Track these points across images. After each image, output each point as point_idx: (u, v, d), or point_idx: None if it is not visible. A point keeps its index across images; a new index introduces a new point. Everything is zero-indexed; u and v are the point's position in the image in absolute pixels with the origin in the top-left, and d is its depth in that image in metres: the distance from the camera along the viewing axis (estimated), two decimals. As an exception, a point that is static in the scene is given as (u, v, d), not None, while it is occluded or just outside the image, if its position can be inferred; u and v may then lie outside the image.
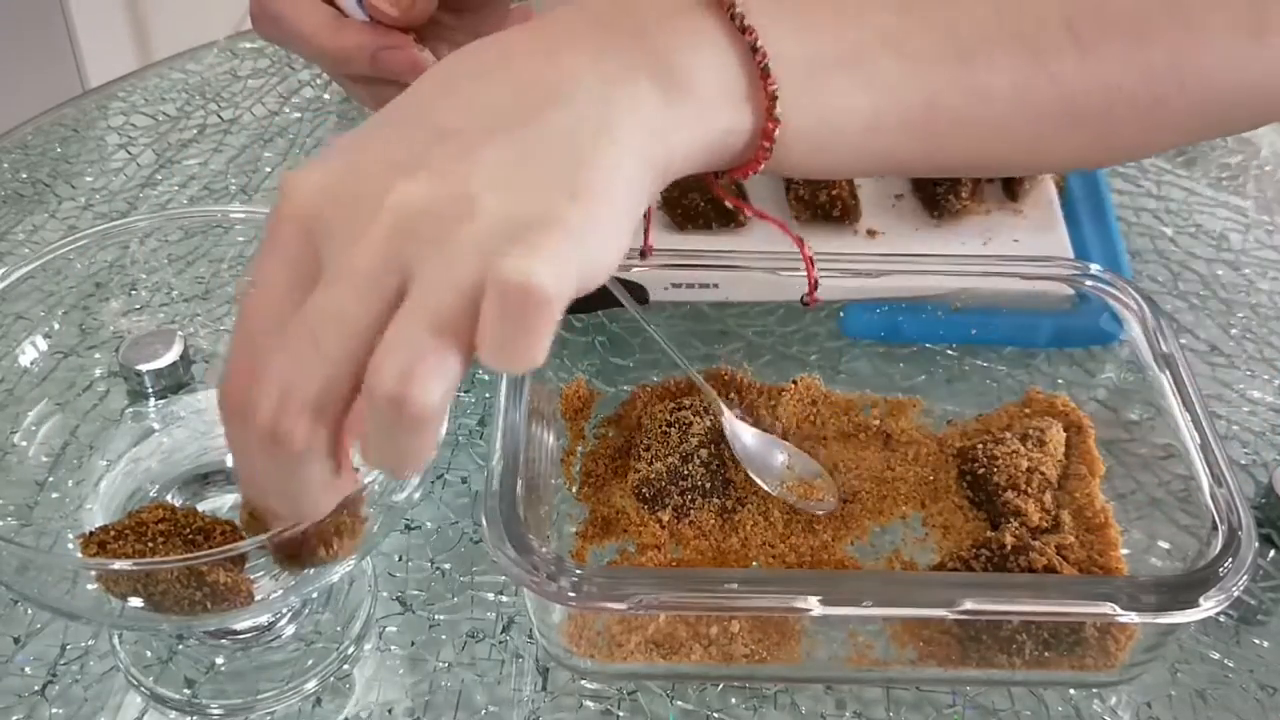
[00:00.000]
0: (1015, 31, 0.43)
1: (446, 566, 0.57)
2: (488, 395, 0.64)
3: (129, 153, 0.82)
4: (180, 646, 0.53)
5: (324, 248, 0.36)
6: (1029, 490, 0.55)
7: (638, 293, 0.61)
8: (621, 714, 0.52)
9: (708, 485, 0.55)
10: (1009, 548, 0.50)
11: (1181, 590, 0.46)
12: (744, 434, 0.57)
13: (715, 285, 0.63)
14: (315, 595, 0.54)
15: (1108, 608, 0.46)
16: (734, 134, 0.42)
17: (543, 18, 0.41)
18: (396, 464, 0.36)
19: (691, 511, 0.55)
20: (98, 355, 0.60)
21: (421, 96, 0.39)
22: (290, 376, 0.35)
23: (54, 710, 0.51)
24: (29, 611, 0.54)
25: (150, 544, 0.46)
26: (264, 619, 0.53)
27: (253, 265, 0.37)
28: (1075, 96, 0.44)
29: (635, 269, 0.60)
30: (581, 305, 0.62)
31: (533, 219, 0.35)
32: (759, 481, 0.56)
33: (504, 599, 0.55)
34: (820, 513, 0.56)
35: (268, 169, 0.80)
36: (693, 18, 0.41)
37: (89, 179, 0.79)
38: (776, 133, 0.42)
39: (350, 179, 0.36)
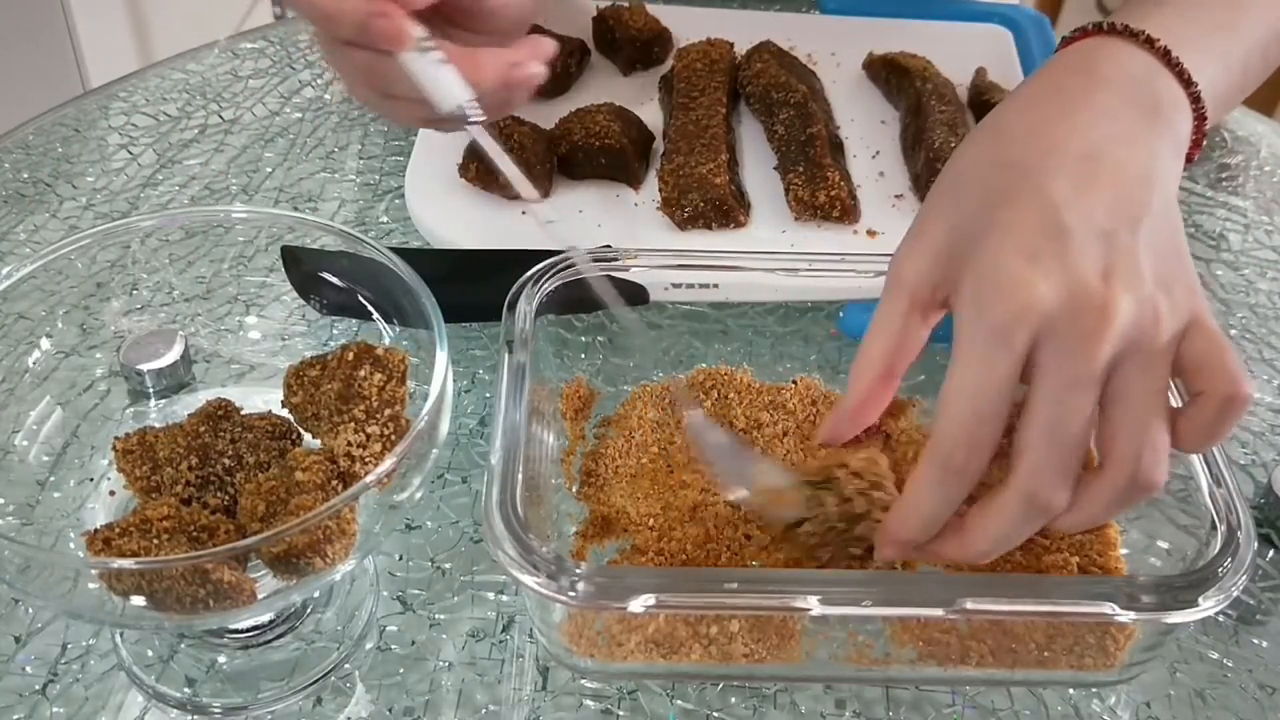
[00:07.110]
0: None
1: (447, 566, 0.57)
2: (488, 395, 0.64)
3: (130, 153, 0.82)
4: (181, 645, 0.53)
5: (1046, 348, 0.43)
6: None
7: (637, 293, 0.61)
8: (621, 713, 0.52)
9: None
10: None
11: (1180, 590, 0.46)
12: (712, 434, 0.53)
13: (715, 285, 0.63)
14: (316, 594, 0.54)
15: (1107, 607, 0.46)
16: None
17: (1090, 109, 0.48)
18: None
19: None
20: (99, 355, 0.60)
21: (1054, 194, 0.45)
22: (1047, 479, 0.44)
23: (55, 709, 0.51)
24: (30, 611, 0.54)
25: (155, 541, 0.46)
26: (265, 617, 0.53)
27: (973, 348, 0.44)
28: None
29: (635, 269, 0.60)
30: (581, 305, 0.62)
31: (1178, 310, 0.45)
32: (723, 485, 0.53)
33: (504, 599, 0.56)
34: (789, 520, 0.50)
35: (268, 169, 0.80)
36: (1162, 84, 0.50)
37: (90, 179, 0.79)
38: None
39: (1078, 298, 0.43)
